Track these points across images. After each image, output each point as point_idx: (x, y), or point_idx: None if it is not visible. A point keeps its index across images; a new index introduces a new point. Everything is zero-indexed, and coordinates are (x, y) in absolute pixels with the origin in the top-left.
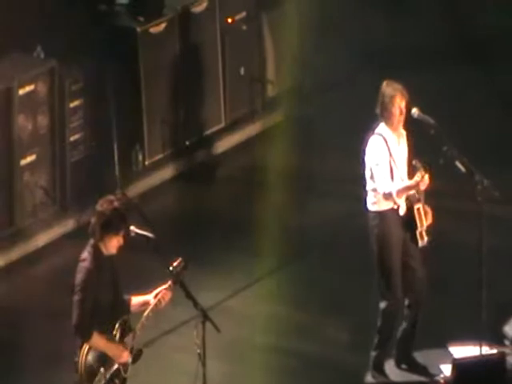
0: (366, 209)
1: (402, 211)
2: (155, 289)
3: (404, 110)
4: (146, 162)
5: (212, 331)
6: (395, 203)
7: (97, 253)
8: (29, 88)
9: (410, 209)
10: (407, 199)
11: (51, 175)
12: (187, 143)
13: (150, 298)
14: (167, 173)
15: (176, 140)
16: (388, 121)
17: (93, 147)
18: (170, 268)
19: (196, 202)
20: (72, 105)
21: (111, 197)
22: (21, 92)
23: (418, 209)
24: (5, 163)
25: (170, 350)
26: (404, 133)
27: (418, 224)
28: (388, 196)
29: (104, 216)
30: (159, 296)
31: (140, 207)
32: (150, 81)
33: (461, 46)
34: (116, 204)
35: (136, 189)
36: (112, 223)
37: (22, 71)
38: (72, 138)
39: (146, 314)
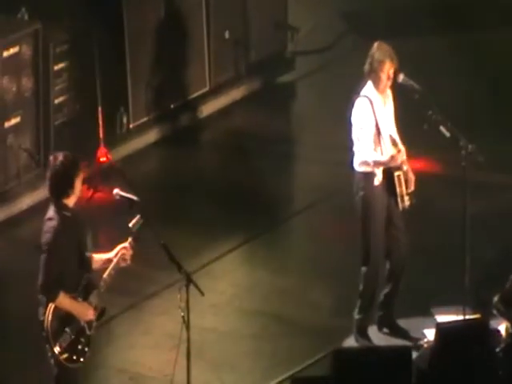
0: (353, 169)
1: (378, 181)
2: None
3: (392, 76)
4: (131, 125)
5: (196, 295)
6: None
7: (62, 210)
8: (13, 50)
9: (391, 175)
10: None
11: (35, 138)
12: (172, 106)
13: (111, 255)
14: (151, 136)
15: (160, 103)
16: (374, 83)
17: (77, 110)
18: (130, 225)
19: (180, 165)
20: (56, 67)
21: (56, 153)
22: (5, 54)
23: (399, 175)
24: None
25: (153, 314)
26: (390, 94)
27: (398, 190)
28: (366, 164)
29: (53, 171)
30: (120, 254)
31: (123, 171)
32: (134, 44)
33: (442, 8)
34: (60, 157)
35: (120, 152)
36: (62, 172)
37: (6, 33)
38: (56, 101)
39: (107, 271)
